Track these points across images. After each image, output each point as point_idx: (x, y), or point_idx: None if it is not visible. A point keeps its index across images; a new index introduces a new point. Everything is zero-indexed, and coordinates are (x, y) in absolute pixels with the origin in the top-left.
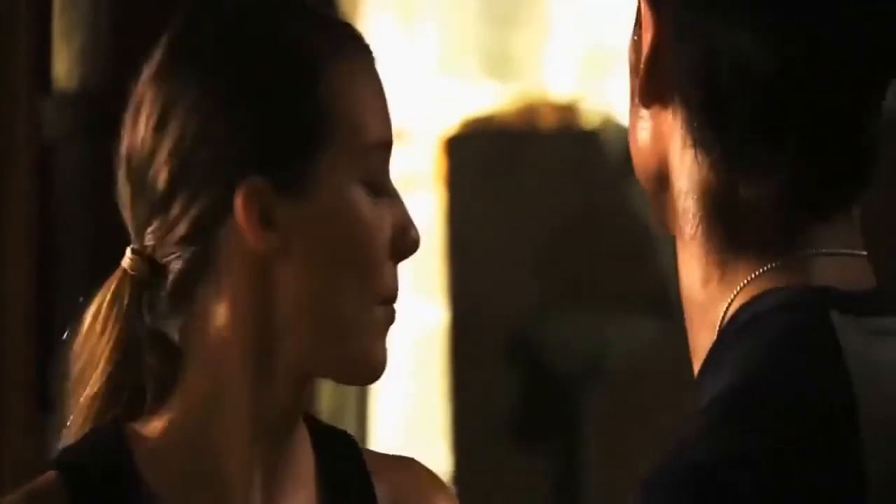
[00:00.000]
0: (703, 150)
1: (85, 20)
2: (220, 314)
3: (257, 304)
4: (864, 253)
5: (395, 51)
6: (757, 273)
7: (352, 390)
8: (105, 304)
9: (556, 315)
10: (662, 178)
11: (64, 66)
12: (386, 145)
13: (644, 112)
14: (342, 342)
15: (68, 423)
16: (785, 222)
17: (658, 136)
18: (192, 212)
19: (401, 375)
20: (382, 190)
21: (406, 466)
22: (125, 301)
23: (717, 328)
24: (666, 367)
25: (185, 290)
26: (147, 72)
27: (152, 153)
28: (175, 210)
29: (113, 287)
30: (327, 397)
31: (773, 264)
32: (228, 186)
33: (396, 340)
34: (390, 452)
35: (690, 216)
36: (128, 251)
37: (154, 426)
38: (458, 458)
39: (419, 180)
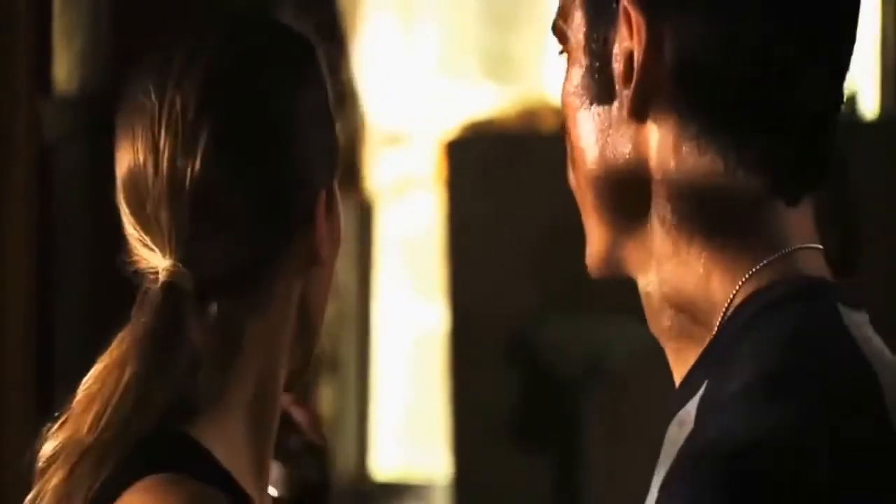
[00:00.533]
0: (701, 148)
1: (85, 21)
2: (273, 318)
3: (298, 308)
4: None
5: (395, 52)
6: (757, 267)
7: (352, 392)
8: (146, 319)
9: (556, 316)
10: (641, 190)
11: (64, 67)
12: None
13: (625, 124)
14: (319, 332)
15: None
16: (774, 214)
17: (641, 146)
18: (273, 219)
19: (401, 376)
20: None
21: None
22: (169, 323)
23: (717, 321)
24: (665, 368)
25: (234, 299)
26: (186, 86)
27: (214, 173)
28: (248, 224)
29: (150, 298)
30: (328, 399)
31: (771, 258)
32: (311, 198)
33: (396, 343)
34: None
35: (689, 217)
36: (167, 265)
37: (216, 430)
38: (458, 458)
39: (419, 182)
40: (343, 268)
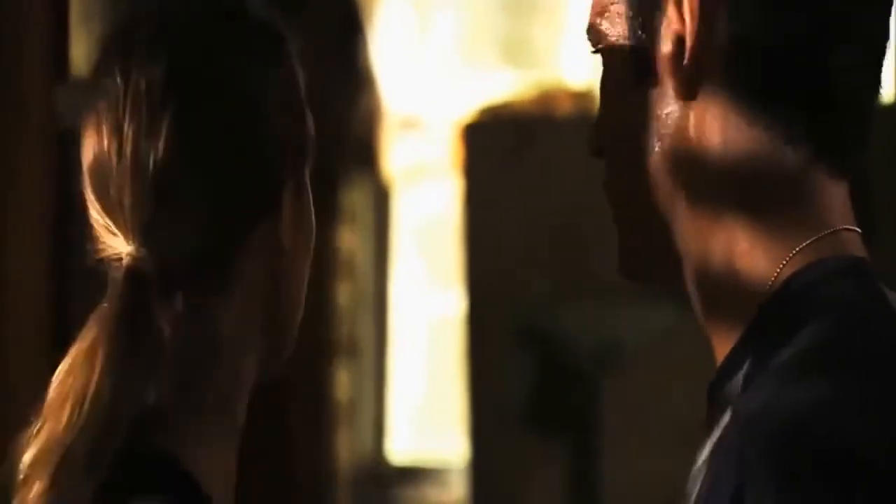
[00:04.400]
0: (748, 126)
1: (102, 7)
2: (241, 309)
3: (270, 298)
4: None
5: (412, 37)
6: (802, 245)
7: (369, 377)
8: (111, 315)
9: (571, 302)
10: (685, 171)
11: (81, 54)
12: (313, 140)
13: (672, 106)
14: (294, 325)
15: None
16: (816, 191)
17: (687, 127)
18: (228, 216)
19: (417, 363)
20: None
21: None
22: (134, 307)
23: (762, 297)
24: (679, 354)
25: (208, 286)
26: (151, 70)
27: (177, 157)
28: (210, 211)
29: (117, 287)
30: (344, 384)
31: (816, 236)
32: (277, 186)
33: (413, 327)
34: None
35: (733, 195)
36: (130, 250)
37: (191, 439)
38: (474, 444)
39: (435, 167)
40: (360, 252)
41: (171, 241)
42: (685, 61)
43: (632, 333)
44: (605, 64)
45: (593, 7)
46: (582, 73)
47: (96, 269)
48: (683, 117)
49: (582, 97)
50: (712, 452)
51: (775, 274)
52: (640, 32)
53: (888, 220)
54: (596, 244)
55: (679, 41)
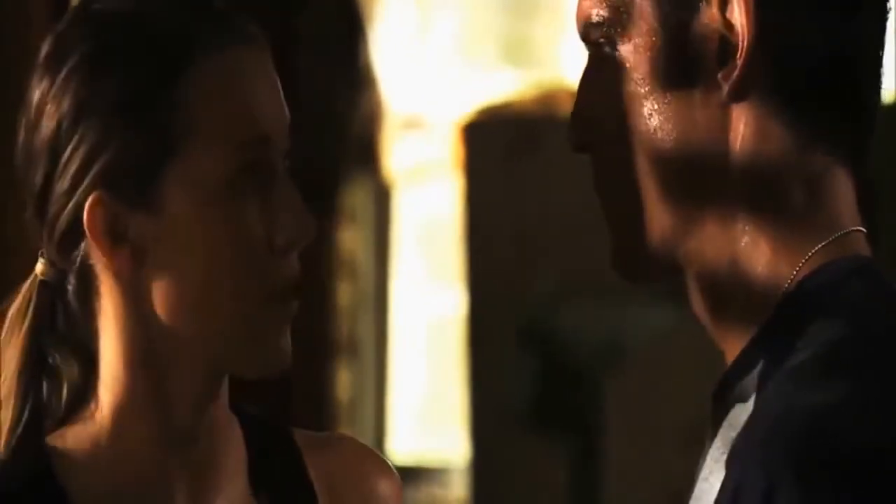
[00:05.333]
0: (785, 128)
1: None
2: (108, 323)
3: (135, 313)
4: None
5: (413, 38)
6: (819, 246)
7: (370, 376)
8: (15, 311)
9: (573, 301)
10: (715, 172)
11: None
12: (262, 139)
13: (711, 106)
14: (231, 341)
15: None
16: (833, 192)
17: (723, 128)
18: (60, 223)
19: (417, 362)
20: (265, 183)
21: (339, 444)
22: (34, 307)
23: (776, 299)
24: (680, 354)
25: (80, 299)
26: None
27: (28, 152)
28: (50, 219)
29: (23, 292)
30: (345, 383)
31: (831, 238)
32: (81, 199)
33: (414, 327)
34: (319, 433)
35: (764, 197)
36: (41, 254)
37: (73, 439)
38: (475, 443)
39: (437, 166)
40: (360, 252)
41: (48, 246)
42: (738, 64)
43: (633, 333)
44: (600, 58)
45: (607, 5)
46: None
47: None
48: (717, 119)
49: None
50: (730, 454)
51: (793, 275)
52: (671, 31)
53: (888, 220)
54: (597, 244)
55: (723, 42)
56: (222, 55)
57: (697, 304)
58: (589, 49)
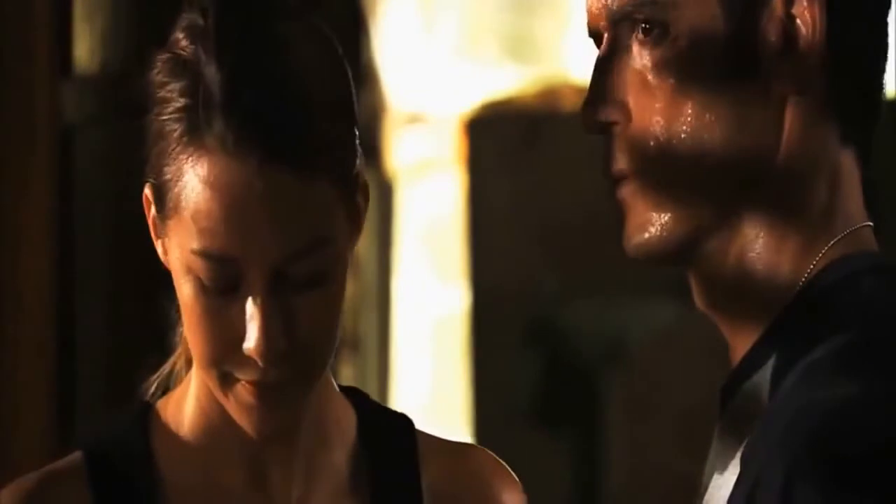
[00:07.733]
0: (830, 125)
1: (105, 4)
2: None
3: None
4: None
5: (416, 34)
6: (833, 241)
7: (373, 372)
8: None
9: (577, 299)
10: (757, 168)
11: (85, 49)
12: (208, 257)
13: (766, 100)
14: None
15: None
16: (850, 188)
17: (774, 124)
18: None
19: (421, 359)
20: (231, 290)
21: (464, 454)
22: None
23: (790, 295)
24: (684, 351)
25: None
26: None
27: None
28: None
29: None
30: (348, 379)
31: (844, 233)
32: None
33: (417, 323)
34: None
35: (800, 193)
36: None
37: (174, 412)
38: (479, 439)
39: (440, 163)
40: (363, 248)
41: None
42: (806, 59)
43: (637, 330)
44: (637, 40)
45: None
46: (587, 67)
47: (101, 265)
48: (771, 114)
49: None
50: (747, 450)
51: (809, 270)
52: (731, 23)
53: (889, 220)
54: (601, 240)
55: (786, 35)
56: (207, 156)
57: (707, 298)
58: (620, 29)
